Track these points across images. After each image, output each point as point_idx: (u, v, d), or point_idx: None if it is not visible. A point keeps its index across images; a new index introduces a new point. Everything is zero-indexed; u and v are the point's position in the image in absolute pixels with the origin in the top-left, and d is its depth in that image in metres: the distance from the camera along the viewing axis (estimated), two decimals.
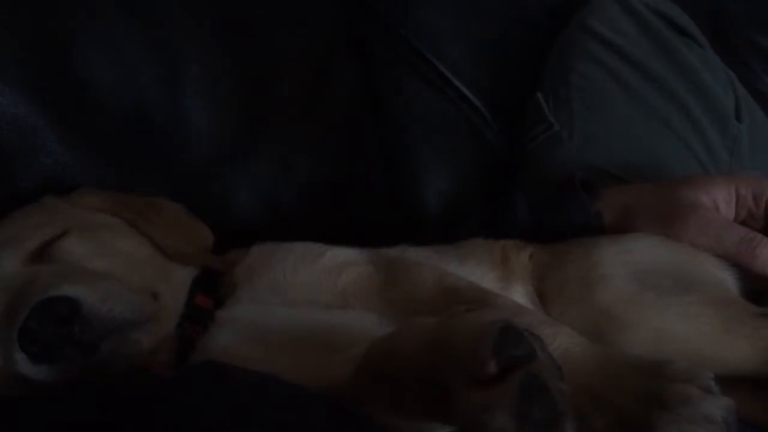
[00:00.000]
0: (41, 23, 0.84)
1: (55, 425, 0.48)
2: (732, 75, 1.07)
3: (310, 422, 0.50)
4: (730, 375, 0.66)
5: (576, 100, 1.01)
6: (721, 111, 1.01)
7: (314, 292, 0.70)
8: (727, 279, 0.75)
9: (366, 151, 1.05)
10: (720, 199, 0.79)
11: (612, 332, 0.68)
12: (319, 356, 0.64)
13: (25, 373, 0.59)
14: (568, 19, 1.07)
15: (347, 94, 1.05)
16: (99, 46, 0.87)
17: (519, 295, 0.76)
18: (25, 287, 0.61)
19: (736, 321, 0.68)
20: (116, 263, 0.68)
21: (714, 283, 0.74)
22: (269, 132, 0.98)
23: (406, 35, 1.07)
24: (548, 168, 0.99)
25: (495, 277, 0.77)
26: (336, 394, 0.55)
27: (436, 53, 1.07)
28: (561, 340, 0.57)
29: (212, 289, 0.74)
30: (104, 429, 0.46)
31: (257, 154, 0.96)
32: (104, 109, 0.87)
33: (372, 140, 1.05)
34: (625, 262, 0.74)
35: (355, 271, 0.71)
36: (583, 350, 0.56)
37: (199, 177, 0.93)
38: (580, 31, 1.04)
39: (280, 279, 0.71)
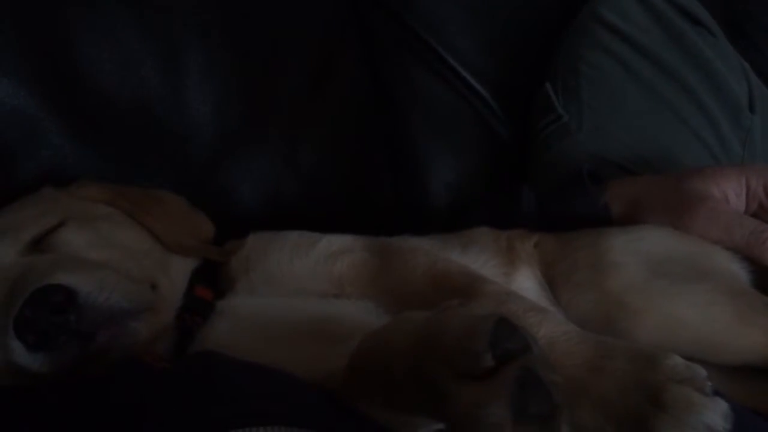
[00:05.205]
0: (42, 14, 0.84)
1: (44, 416, 0.48)
2: (746, 65, 1.05)
3: (304, 415, 0.50)
4: (741, 364, 0.65)
5: (585, 91, 1.00)
6: (734, 102, 0.99)
7: (310, 281, 0.70)
8: (738, 271, 0.74)
9: (371, 142, 1.04)
10: (730, 191, 0.78)
11: (622, 319, 0.67)
12: (317, 347, 0.64)
13: (20, 362, 0.59)
14: (578, 8, 1.05)
15: (352, 83, 1.04)
16: (99, 36, 0.87)
17: (525, 278, 0.75)
18: (21, 277, 0.61)
19: (750, 310, 0.66)
20: (114, 254, 0.68)
21: (726, 273, 0.73)
22: (272, 123, 0.97)
23: (412, 24, 1.06)
24: (556, 159, 0.98)
25: (498, 263, 0.76)
26: (334, 385, 0.54)
27: (444, 43, 1.06)
28: (546, 329, 0.56)
29: (212, 280, 0.74)
30: (92, 421, 0.46)
31: (260, 145, 0.96)
32: (105, 100, 0.87)
33: (377, 131, 1.05)
34: (636, 249, 0.73)
35: (351, 258, 0.71)
36: (568, 339, 0.55)
37: (201, 169, 0.92)
38: (591, 19, 1.03)
39: (275, 269, 0.71)
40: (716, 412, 0.45)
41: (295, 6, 1.00)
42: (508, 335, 0.41)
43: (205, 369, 0.54)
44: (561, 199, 0.84)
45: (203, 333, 0.68)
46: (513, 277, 0.74)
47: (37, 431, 0.48)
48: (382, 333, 0.50)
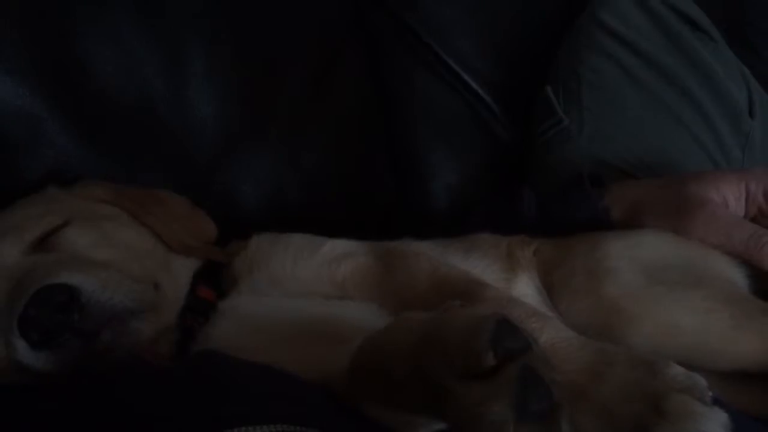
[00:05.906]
0: (45, 14, 0.85)
1: (47, 416, 0.48)
2: (745, 70, 1.05)
3: (305, 414, 0.50)
4: (737, 371, 0.65)
5: (586, 95, 1.00)
6: (734, 107, 1.00)
7: (314, 283, 0.71)
8: (737, 276, 0.75)
9: (373, 144, 1.04)
10: (730, 196, 0.78)
11: (619, 325, 0.67)
12: (320, 348, 0.64)
13: (24, 360, 0.59)
14: (579, 11, 1.06)
15: (354, 85, 1.04)
16: (103, 37, 0.87)
17: (525, 285, 0.75)
18: (25, 276, 0.62)
19: (746, 316, 0.67)
20: (117, 253, 0.69)
21: (723, 279, 0.73)
22: (274, 124, 0.98)
23: (414, 27, 1.06)
24: (557, 163, 0.99)
25: (499, 268, 0.76)
26: (335, 386, 0.55)
27: (446, 46, 1.06)
28: (548, 335, 0.56)
29: (214, 280, 0.75)
30: (94, 421, 0.46)
31: (262, 146, 0.96)
32: (108, 100, 0.87)
33: (379, 133, 1.05)
34: (633, 256, 0.73)
35: (355, 261, 0.71)
36: (569, 345, 0.55)
37: (203, 169, 0.93)
38: (591, 24, 1.03)
39: (279, 271, 0.71)
40: (716, 422, 0.45)
41: (296, 7, 1.01)
42: (509, 334, 0.42)
43: (206, 368, 0.54)
44: (562, 203, 0.85)
45: (205, 333, 0.68)
46: (513, 283, 0.75)
47: (39, 431, 0.48)
48: (384, 333, 0.50)
